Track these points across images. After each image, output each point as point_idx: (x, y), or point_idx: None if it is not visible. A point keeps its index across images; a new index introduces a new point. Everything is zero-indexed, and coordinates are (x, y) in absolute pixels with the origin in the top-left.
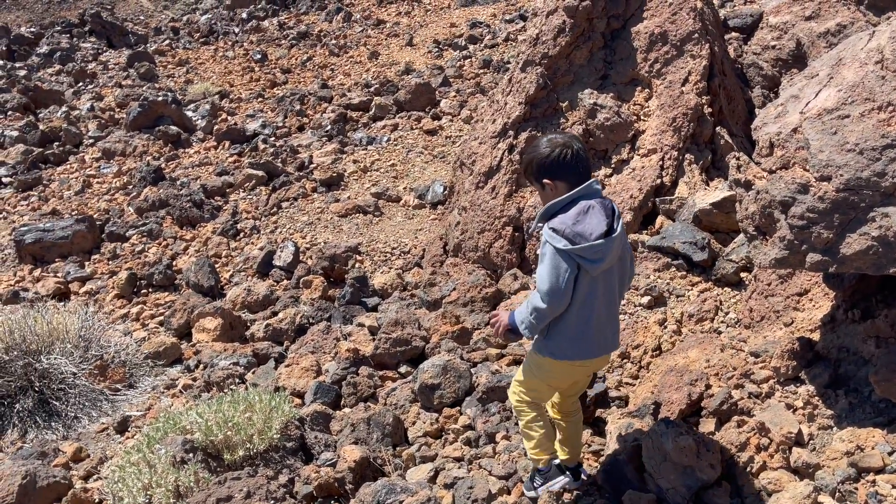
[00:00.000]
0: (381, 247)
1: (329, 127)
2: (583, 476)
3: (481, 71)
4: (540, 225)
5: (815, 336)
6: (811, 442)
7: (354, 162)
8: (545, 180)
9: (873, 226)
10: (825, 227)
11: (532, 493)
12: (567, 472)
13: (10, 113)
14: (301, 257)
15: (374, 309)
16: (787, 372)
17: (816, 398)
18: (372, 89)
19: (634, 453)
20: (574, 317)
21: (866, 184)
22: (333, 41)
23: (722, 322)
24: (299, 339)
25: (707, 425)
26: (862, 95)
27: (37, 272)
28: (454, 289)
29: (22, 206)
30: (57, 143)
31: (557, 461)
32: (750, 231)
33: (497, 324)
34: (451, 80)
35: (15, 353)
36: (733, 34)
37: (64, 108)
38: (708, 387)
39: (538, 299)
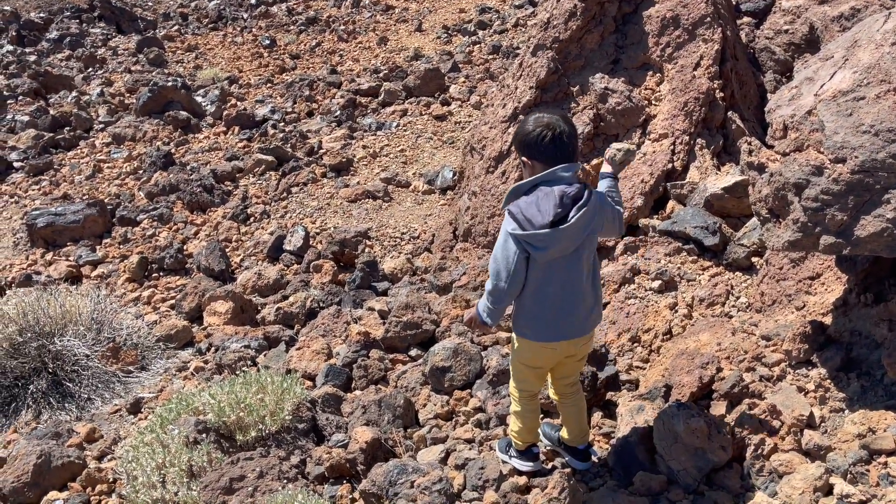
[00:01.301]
0: (390, 232)
1: (338, 112)
2: (593, 458)
3: (490, 56)
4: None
5: (827, 320)
6: (823, 424)
7: (364, 147)
8: (523, 158)
9: (888, 208)
10: (839, 210)
11: (502, 456)
12: (541, 461)
13: (20, 98)
14: (311, 242)
15: (384, 293)
16: (798, 355)
17: (828, 381)
18: (381, 75)
19: (645, 435)
20: (528, 300)
21: (882, 165)
22: (342, 27)
23: (733, 306)
24: (310, 322)
25: (718, 408)
26: (878, 77)
27: (49, 256)
28: (464, 273)
29: (33, 190)
30: (67, 128)
31: (537, 450)
32: (763, 214)
33: (470, 318)
34: (460, 65)
35: (29, 334)
36: (746, 18)
37: (74, 94)
38: (719, 370)
39: (489, 282)
